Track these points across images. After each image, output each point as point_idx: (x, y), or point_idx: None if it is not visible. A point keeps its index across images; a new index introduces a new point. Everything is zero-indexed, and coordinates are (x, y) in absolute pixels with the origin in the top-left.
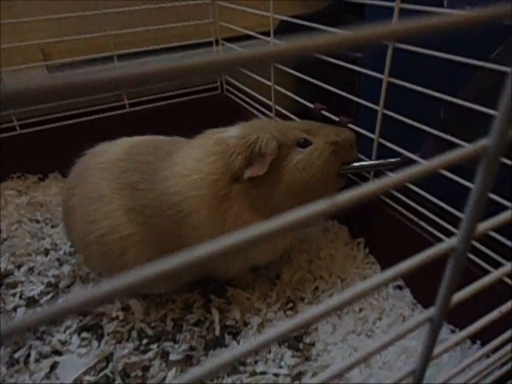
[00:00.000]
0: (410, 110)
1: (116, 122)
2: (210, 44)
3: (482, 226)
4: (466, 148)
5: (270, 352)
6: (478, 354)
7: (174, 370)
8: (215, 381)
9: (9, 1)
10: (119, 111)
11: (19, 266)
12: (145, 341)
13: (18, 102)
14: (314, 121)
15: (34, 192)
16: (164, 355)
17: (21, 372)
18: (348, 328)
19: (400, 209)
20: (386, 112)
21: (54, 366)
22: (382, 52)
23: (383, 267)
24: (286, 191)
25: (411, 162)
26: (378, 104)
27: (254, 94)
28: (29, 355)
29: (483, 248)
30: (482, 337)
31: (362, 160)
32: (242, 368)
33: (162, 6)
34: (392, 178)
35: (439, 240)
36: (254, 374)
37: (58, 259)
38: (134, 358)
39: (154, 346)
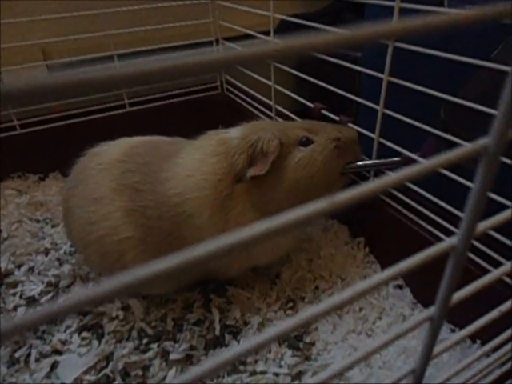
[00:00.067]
0: (410, 110)
1: (116, 122)
2: (210, 44)
3: (482, 226)
4: (466, 147)
5: (270, 351)
6: (478, 354)
7: (174, 369)
8: (215, 380)
9: (9, 1)
10: (119, 111)
11: (19, 266)
12: (145, 340)
13: (18, 100)
14: (314, 120)
15: (35, 191)
16: (164, 355)
17: (21, 371)
18: (348, 327)
19: (400, 208)
20: (387, 111)
21: (54, 366)
22: (382, 51)
23: (383, 266)
24: (289, 190)
25: (414, 161)
26: (378, 103)
27: (254, 93)
28: (29, 355)
29: (483, 247)
30: (482, 336)
31: (363, 158)
32: (242, 367)
33: (161, 6)
34: (392, 177)
35: (439, 239)
36: (254, 373)
37: (59, 259)
38: (134, 358)
39: (155, 346)
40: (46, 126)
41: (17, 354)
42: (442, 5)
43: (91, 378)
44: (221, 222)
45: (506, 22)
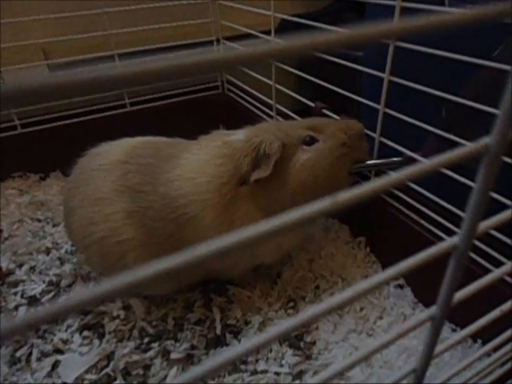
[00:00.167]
0: (411, 109)
1: (117, 121)
2: (210, 43)
3: (484, 225)
4: (468, 146)
5: (271, 351)
6: (479, 353)
7: (175, 368)
8: (216, 379)
9: (9, 0)
10: (120, 110)
11: (20, 265)
12: (146, 339)
13: (17, 101)
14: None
15: (36, 191)
16: (165, 354)
17: (23, 370)
18: (349, 327)
19: (401, 208)
20: (388, 111)
21: (55, 365)
22: (382, 51)
23: (384, 266)
24: (294, 191)
25: (420, 161)
26: (379, 103)
27: (254, 92)
28: (30, 354)
29: (484, 247)
30: (483, 336)
31: (371, 156)
32: (243, 367)
33: (162, 6)
34: (395, 176)
35: (440, 239)
36: (255, 372)
37: (60, 258)
38: (135, 357)
39: (155, 345)
40: (47, 126)
41: (18, 354)
42: (442, 4)
43: (92, 377)
44: (225, 223)
45: (507, 22)
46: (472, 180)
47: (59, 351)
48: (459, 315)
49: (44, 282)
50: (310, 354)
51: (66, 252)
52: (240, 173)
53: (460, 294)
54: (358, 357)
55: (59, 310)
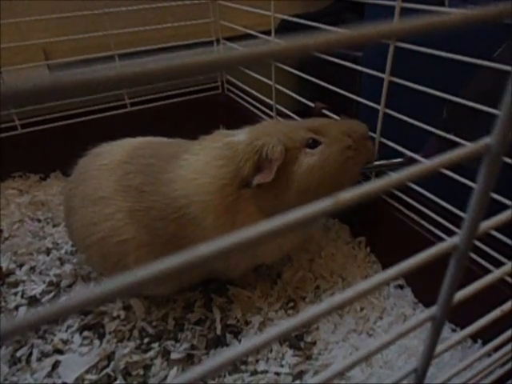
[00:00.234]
0: (411, 110)
1: (117, 122)
2: (210, 43)
3: (484, 225)
4: (469, 146)
5: (271, 351)
6: (479, 353)
7: (175, 368)
8: (217, 380)
9: (10, 0)
10: (120, 110)
11: (21, 265)
12: (146, 340)
13: (18, 100)
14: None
15: (36, 191)
16: (165, 354)
17: (23, 371)
18: (349, 327)
19: (401, 208)
20: (388, 111)
21: (55, 365)
22: (382, 51)
23: (384, 266)
24: (298, 196)
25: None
26: (379, 103)
27: (254, 93)
28: (31, 354)
29: (484, 247)
30: (484, 336)
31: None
32: (243, 367)
33: (162, 6)
34: (396, 176)
35: (440, 239)
36: (255, 372)
37: (60, 258)
38: (135, 357)
39: (156, 345)
40: (47, 126)
41: (18, 354)
42: (442, 4)
43: (92, 377)
44: (227, 225)
45: (508, 22)
46: (472, 180)
47: (59, 351)
48: (459, 315)
49: (44, 282)
50: (311, 354)
51: (66, 252)
52: (241, 176)
53: (460, 294)
54: (359, 357)
55: (59, 310)
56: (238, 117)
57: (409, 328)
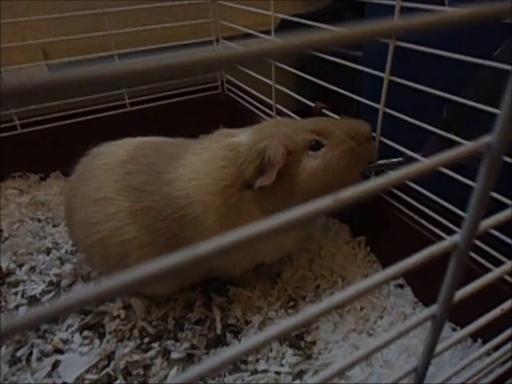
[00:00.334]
0: (411, 109)
1: (117, 122)
2: (210, 43)
3: (485, 224)
4: (469, 145)
5: (271, 350)
6: (479, 353)
7: (175, 368)
8: (217, 379)
9: (9, 0)
10: (120, 110)
11: (21, 265)
12: (146, 339)
13: (18, 99)
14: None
15: (36, 191)
16: (165, 354)
17: (23, 370)
18: (349, 326)
19: (401, 207)
20: (388, 111)
21: (55, 365)
22: (382, 50)
23: (384, 266)
24: (301, 198)
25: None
26: (378, 103)
27: (254, 92)
28: (31, 354)
29: (484, 246)
30: (483, 335)
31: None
32: (243, 366)
33: (162, 6)
34: (396, 174)
35: (440, 238)
36: (255, 372)
37: (60, 258)
38: (135, 357)
39: (156, 345)
40: (47, 126)
41: (18, 353)
42: (442, 4)
43: (93, 377)
44: (229, 226)
45: (508, 22)
46: (472, 180)
47: (59, 351)
48: (459, 315)
49: (44, 282)
50: (311, 353)
51: (67, 252)
52: (243, 178)
53: (460, 293)
54: (359, 356)
55: (59, 308)
56: (238, 116)
57: (409, 327)
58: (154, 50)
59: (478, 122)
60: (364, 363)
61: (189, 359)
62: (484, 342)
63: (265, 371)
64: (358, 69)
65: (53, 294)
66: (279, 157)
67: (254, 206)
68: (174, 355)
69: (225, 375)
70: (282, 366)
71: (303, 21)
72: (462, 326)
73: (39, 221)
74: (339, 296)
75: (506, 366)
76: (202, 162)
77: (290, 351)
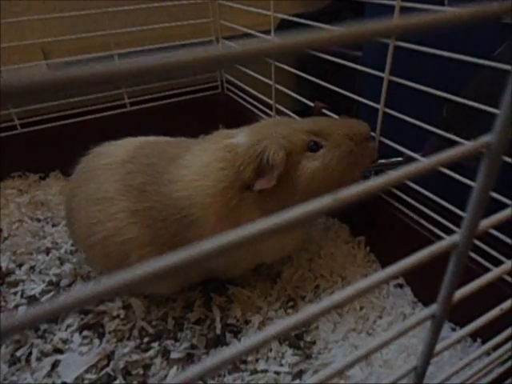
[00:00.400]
0: (411, 109)
1: (116, 121)
2: (210, 43)
3: (484, 224)
4: (469, 144)
5: (270, 350)
6: (479, 352)
7: (175, 368)
8: (216, 379)
9: (9, 0)
10: (119, 110)
11: (20, 265)
12: (146, 339)
13: (17, 96)
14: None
15: (35, 191)
16: (165, 353)
17: (22, 370)
18: (349, 326)
19: (401, 207)
20: (388, 111)
21: (55, 365)
22: (382, 50)
23: (384, 266)
24: (300, 199)
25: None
26: (379, 102)
27: (254, 92)
28: (30, 353)
29: (483, 246)
30: (483, 335)
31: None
32: (243, 366)
33: (162, 6)
34: (396, 173)
35: (440, 238)
36: (255, 372)
37: (59, 258)
38: (135, 357)
39: (155, 345)
40: (47, 126)
41: (18, 353)
42: (442, 4)
43: (92, 376)
44: (230, 227)
45: (508, 22)
46: (472, 179)
47: (59, 351)
48: (459, 314)
49: (44, 281)
50: (310, 353)
51: (66, 252)
52: (242, 179)
53: (460, 293)
54: (358, 356)
55: (59, 307)
56: (238, 116)
57: (409, 326)
58: (154, 49)
59: (477, 122)
60: (363, 363)
61: (188, 359)
62: (483, 342)
63: (264, 371)
64: (357, 69)
65: (52, 293)
66: (279, 160)
67: (254, 207)
68: (174, 355)
69: (224, 375)
70: (281, 365)
71: (303, 21)
72: (462, 326)
73: (39, 220)
74: (339, 295)
75: (506, 365)
76: (201, 163)
77: (289, 351)
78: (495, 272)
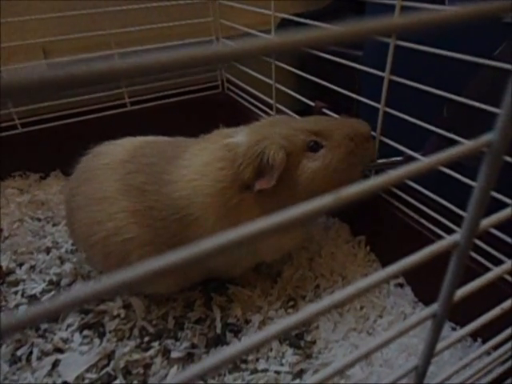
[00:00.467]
0: (412, 109)
1: (117, 121)
2: (210, 42)
3: (485, 222)
4: (471, 143)
5: (271, 350)
6: (479, 352)
7: (175, 367)
8: (217, 378)
9: (10, 0)
10: (120, 110)
11: (21, 264)
12: (146, 338)
13: (18, 94)
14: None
15: (36, 190)
16: (165, 353)
17: (23, 369)
18: (349, 326)
19: (401, 206)
20: (388, 110)
21: (55, 364)
22: (383, 50)
23: (384, 265)
24: (302, 199)
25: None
26: (379, 102)
27: (255, 92)
28: (31, 353)
29: (484, 245)
30: (483, 334)
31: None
32: (243, 365)
33: (162, 5)
34: (395, 173)
35: (440, 238)
36: (255, 371)
37: (60, 257)
38: (135, 356)
39: (156, 344)
40: (47, 125)
41: (18, 353)
42: (443, 3)
43: (93, 376)
44: (229, 227)
45: (508, 21)
46: (472, 179)
47: (59, 350)
48: (459, 314)
49: (44, 281)
50: (311, 352)
51: (67, 251)
52: (241, 180)
53: (461, 292)
54: (359, 355)
55: (59, 306)
56: (238, 116)
57: (409, 326)
58: (155, 49)
59: (477, 122)
60: (364, 362)
61: (189, 358)
62: (484, 342)
63: (265, 370)
64: (357, 68)
65: (53, 293)
66: (279, 161)
67: (253, 207)
68: (174, 354)
69: (225, 374)
70: (281, 365)
71: (303, 20)
72: (462, 326)
73: (39, 220)
74: (339, 295)
75: (506, 365)
76: (200, 163)
77: (289, 350)
78: (496, 271)
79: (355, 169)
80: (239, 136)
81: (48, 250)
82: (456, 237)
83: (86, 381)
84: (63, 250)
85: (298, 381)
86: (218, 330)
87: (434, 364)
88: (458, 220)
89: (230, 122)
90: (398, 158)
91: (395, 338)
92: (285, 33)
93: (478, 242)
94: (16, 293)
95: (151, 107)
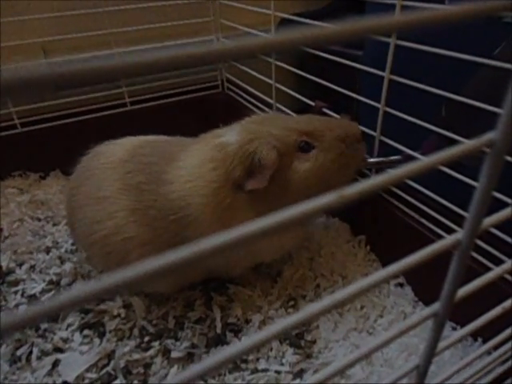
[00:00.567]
0: (411, 108)
1: (117, 121)
2: (210, 42)
3: (486, 222)
4: (472, 142)
5: (271, 349)
6: (480, 352)
7: (175, 367)
8: (217, 378)
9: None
10: (120, 109)
11: (21, 264)
12: (146, 338)
13: (18, 92)
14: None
15: (36, 190)
16: (166, 353)
17: (23, 369)
18: (349, 325)
19: (401, 206)
20: (388, 109)
21: (56, 364)
22: (383, 49)
23: (384, 265)
24: (293, 199)
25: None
26: (379, 101)
27: (255, 91)
28: (31, 353)
29: (484, 245)
30: (484, 334)
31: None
32: (243, 365)
33: (163, 5)
34: (395, 173)
35: (440, 237)
36: (255, 371)
37: (60, 257)
38: (135, 356)
39: (156, 344)
40: (47, 125)
41: (18, 352)
42: (442, 3)
43: (93, 375)
44: (225, 227)
45: (508, 20)
46: (472, 178)
47: (60, 350)
48: (460, 314)
49: (44, 280)
50: (311, 352)
51: (66, 251)
52: (232, 179)
53: (463, 291)
54: (359, 355)
55: (59, 305)
56: (238, 115)
57: (410, 325)
58: (154, 48)
59: (477, 121)
60: (364, 362)
61: (189, 358)
62: (484, 341)
63: (265, 370)
64: (357, 68)
65: (53, 292)
66: (271, 161)
67: (247, 207)
68: (174, 354)
69: (225, 374)
70: (282, 365)
71: (303, 20)
72: (463, 325)
73: (39, 220)
74: (339, 294)
75: (506, 365)
76: (194, 164)
77: (290, 350)
78: (496, 271)
79: (346, 169)
80: (229, 135)
81: (48, 250)
82: (458, 236)
83: (86, 380)
84: (63, 250)
85: (298, 380)
86: (218, 330)
87: (434, 363)
88: (458, 220)
89: (230, 122)
90: (397, 157)
91: (396, 337)
92: (284, 31)
93: (478, 241)
94: (16, 292)
95: (151, 107)
